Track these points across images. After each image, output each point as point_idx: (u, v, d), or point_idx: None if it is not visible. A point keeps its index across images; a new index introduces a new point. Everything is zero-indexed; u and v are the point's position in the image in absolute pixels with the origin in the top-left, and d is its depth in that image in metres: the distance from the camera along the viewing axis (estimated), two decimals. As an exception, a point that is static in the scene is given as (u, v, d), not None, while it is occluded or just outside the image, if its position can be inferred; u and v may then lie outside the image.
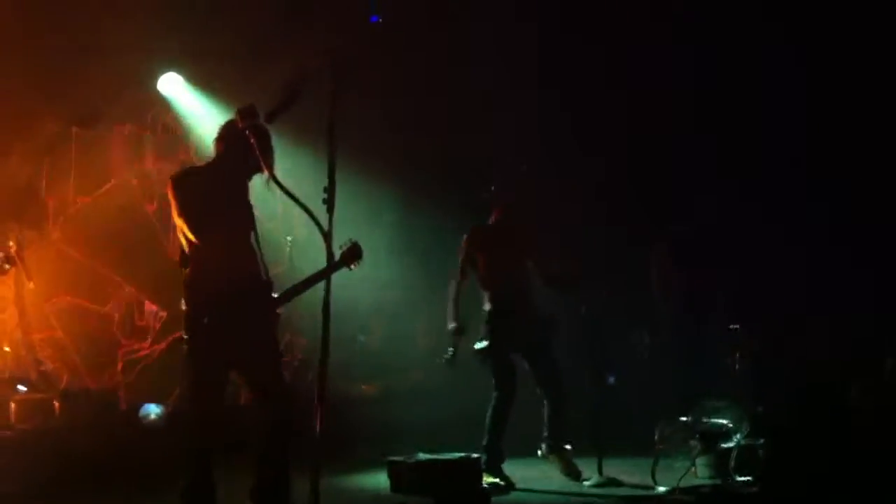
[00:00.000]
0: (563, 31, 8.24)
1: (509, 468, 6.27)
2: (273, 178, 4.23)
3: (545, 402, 6.36)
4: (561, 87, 8.33)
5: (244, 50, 7.66)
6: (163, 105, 8.18)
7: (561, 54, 8.25)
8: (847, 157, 7.68)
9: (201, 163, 4.69)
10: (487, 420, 6.28)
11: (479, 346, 6.33)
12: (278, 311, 4.61)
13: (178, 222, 4.40)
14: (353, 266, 4.93)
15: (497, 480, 6.16)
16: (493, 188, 6.54)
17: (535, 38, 8.30)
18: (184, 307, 4.41)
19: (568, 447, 6.33)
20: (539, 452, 6.37)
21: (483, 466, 6.04)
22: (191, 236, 4.33)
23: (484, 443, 6.24)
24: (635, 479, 6.07)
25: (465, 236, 6.47)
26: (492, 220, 6.54)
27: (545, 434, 6.36)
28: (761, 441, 6.12)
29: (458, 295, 6.39)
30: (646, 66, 8.18)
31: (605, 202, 8.09)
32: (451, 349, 6.26)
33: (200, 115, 8.03)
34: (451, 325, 6.32)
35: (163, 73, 7.92)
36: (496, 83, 8.36)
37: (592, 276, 6.74)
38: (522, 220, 6.50)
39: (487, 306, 6.41)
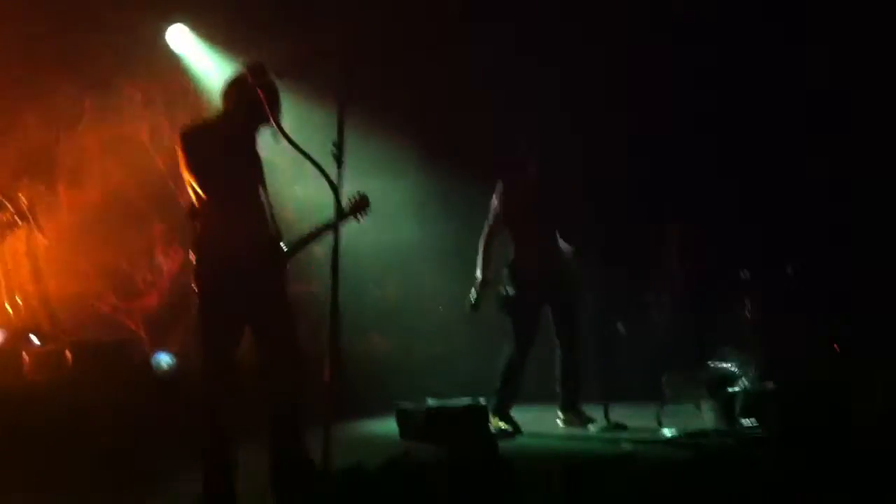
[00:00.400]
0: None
1: (518, 413, 6.36)
2: (282, 132, 4.23)
3: (560, 360, 6.43)
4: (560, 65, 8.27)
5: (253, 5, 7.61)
6: (173, 62, 8.13)
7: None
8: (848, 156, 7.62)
9: (210, 117, 4.67)
10: (501, 368, 6.35)
11: (502, 293, 6.36)
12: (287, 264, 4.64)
13: (187, 177, 4.41)
14: (360, 218, 4.96)
15: (504, 425, 6.26)
16: (522, 145, 6.53)
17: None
18: (193, 261, 4.45)
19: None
20: (559, 422, 6.45)
21: (491, 410, 6.13)
22: (200, 191, 4.35)
23: (496, 388, 6.32)
24: (641, 425, 6.16)
25: (497, 188, 6.47)
26: (522, 175, 6.52)
27: (559, 392, 6.44)
28: (768, 386, 6.20)
29: (489, 246, 6.41)
30: (647, 63, 8.09)
31: (606, 183, 8.03)
32: (473, 295, 6.29)
33: (208, 66, 7.99)
34: (478, 276, 6.35)
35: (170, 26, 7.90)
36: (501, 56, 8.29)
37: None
38: (548, 180, 6.48)
39: (514, 256, 6.44)
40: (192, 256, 4.43)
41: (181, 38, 8.02)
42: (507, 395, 6.33)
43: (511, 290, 6.33)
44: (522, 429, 6.27)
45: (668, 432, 5.81)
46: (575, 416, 6.37)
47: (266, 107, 4.24)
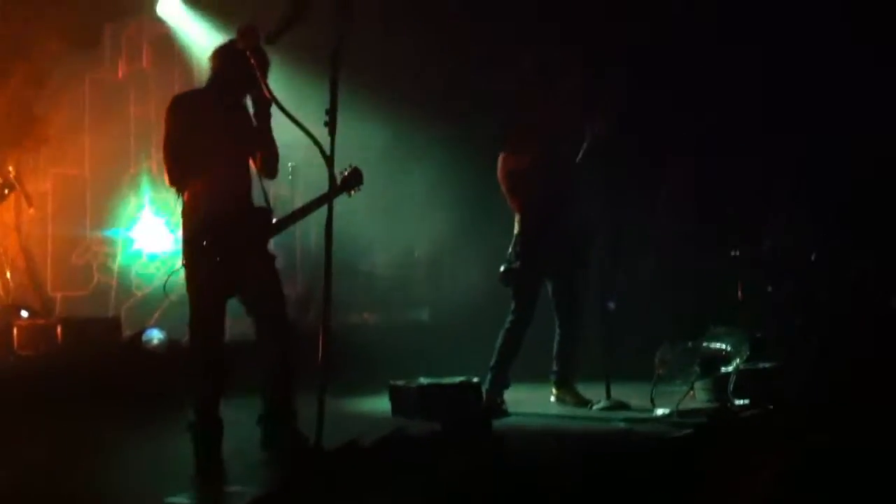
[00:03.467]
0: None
1: (514, 393, 6.32)
2: (274, 100, 4.15)
3: (558, 334, 6.38)
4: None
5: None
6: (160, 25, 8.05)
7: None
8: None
9: (201, 86, 4.59)
10: (499, 342, 6.27)
11: (505, 268, 6.25)
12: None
13: (166, 149, 4.36)
14: (353, 192, 4.89)
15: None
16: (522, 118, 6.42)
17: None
18: (182, 234, 4.39)
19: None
20: (552, 398, 6.41)
21: (487, 387, 6.09)
22: (166, 176, 4.33)
23: (491, 364, 6.27)
24: (637, 403, 6.13)
25: (499, 161, 6.29)
26: (522, 148, 6.28)
27: (554, 369, 6.39)
28: (760, 366, 6.19)
29: None
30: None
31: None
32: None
33: (200, 36, 7.89)
34: None
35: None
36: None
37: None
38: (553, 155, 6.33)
39: (518, 229, 6.28)
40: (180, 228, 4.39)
41: (173, 10, 7.95)
42: (504, 373, 6.27)
43: (515, 263, 6.25)
44: (515, 406, 6.21)
45: (660, 411, 5.78)
46: (568, 392, 6.34)
47: (258, 72, 4.16)
